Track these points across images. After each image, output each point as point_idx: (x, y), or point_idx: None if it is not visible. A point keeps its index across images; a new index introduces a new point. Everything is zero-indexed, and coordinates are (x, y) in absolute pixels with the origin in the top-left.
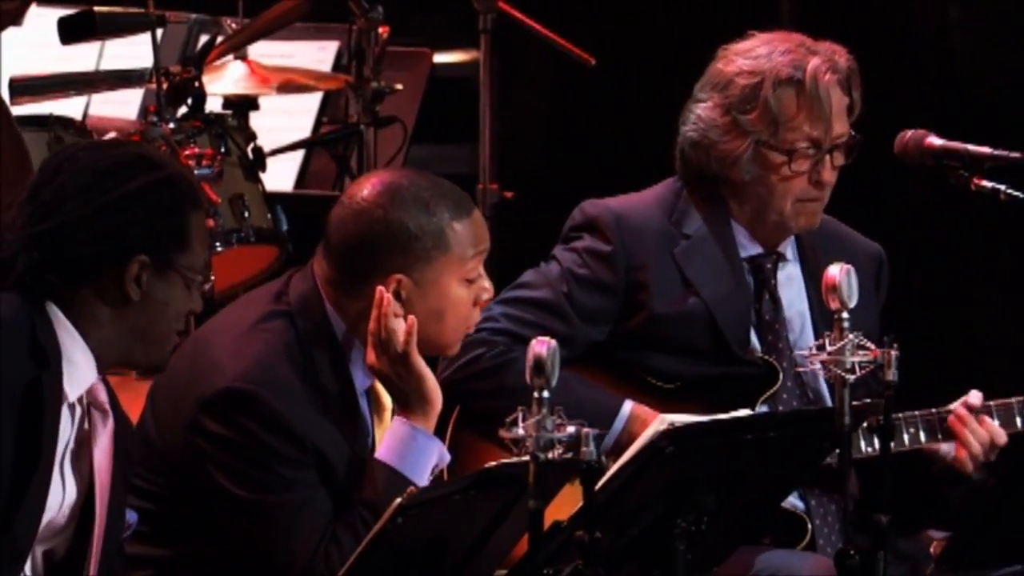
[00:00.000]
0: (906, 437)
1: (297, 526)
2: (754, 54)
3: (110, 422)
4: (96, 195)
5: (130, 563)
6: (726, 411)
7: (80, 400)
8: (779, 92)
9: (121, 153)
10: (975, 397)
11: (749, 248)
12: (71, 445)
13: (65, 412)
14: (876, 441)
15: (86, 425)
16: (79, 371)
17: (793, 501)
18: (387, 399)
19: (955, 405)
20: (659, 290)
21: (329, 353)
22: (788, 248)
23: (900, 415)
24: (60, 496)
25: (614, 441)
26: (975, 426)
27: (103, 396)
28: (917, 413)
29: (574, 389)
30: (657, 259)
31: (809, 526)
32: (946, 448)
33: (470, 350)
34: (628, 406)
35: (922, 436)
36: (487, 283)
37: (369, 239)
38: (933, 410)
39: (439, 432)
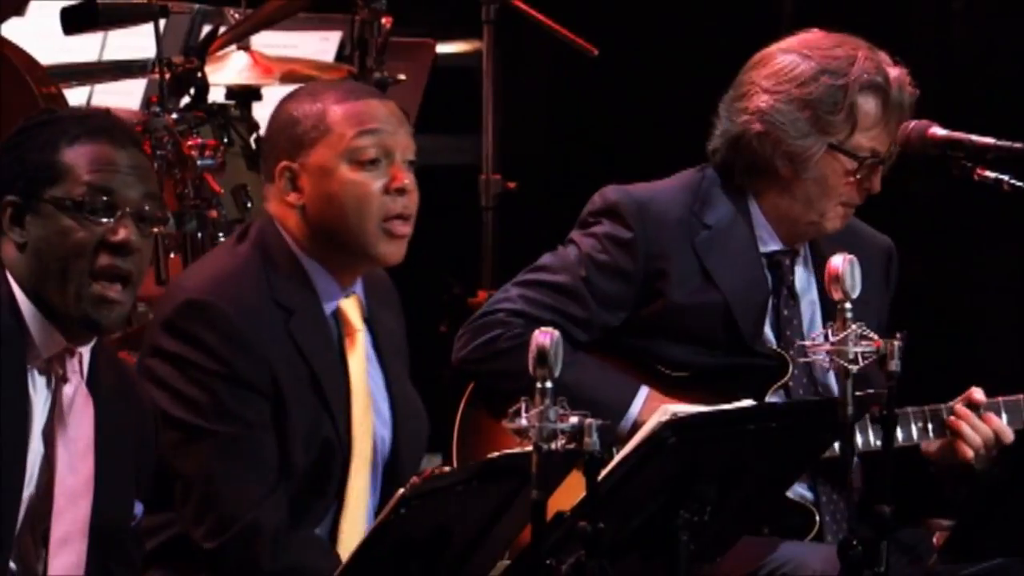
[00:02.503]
0: (914, 431)
1: (230, 463)
2: (833, 54)
3: (79, 396)
4: None
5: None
6: (735, 401)
7: (55, 373)
8: (863, 97)
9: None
10: (978, 393)
11: (769, 243)
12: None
13: (41, 383)
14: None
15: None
16: (39, 341)
17: (803, 492)
18: (356, 320)
19: (956, 401)
20: (678, 280)
21: (293, 276)
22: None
23: (909, 409)
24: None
25: (632, 423)
26: (976, 422)
27: (73, 368)
28: (926, 408)
29: (591, 370)
30: (677, 248)
31: (817, 518)
32: (942, 449)
33: (488, 330)
34: (645, 390)
35: (930, 431)
36: (400, 172)
37: (266, 134)
38: (943, 406)
39: (451, 410)
